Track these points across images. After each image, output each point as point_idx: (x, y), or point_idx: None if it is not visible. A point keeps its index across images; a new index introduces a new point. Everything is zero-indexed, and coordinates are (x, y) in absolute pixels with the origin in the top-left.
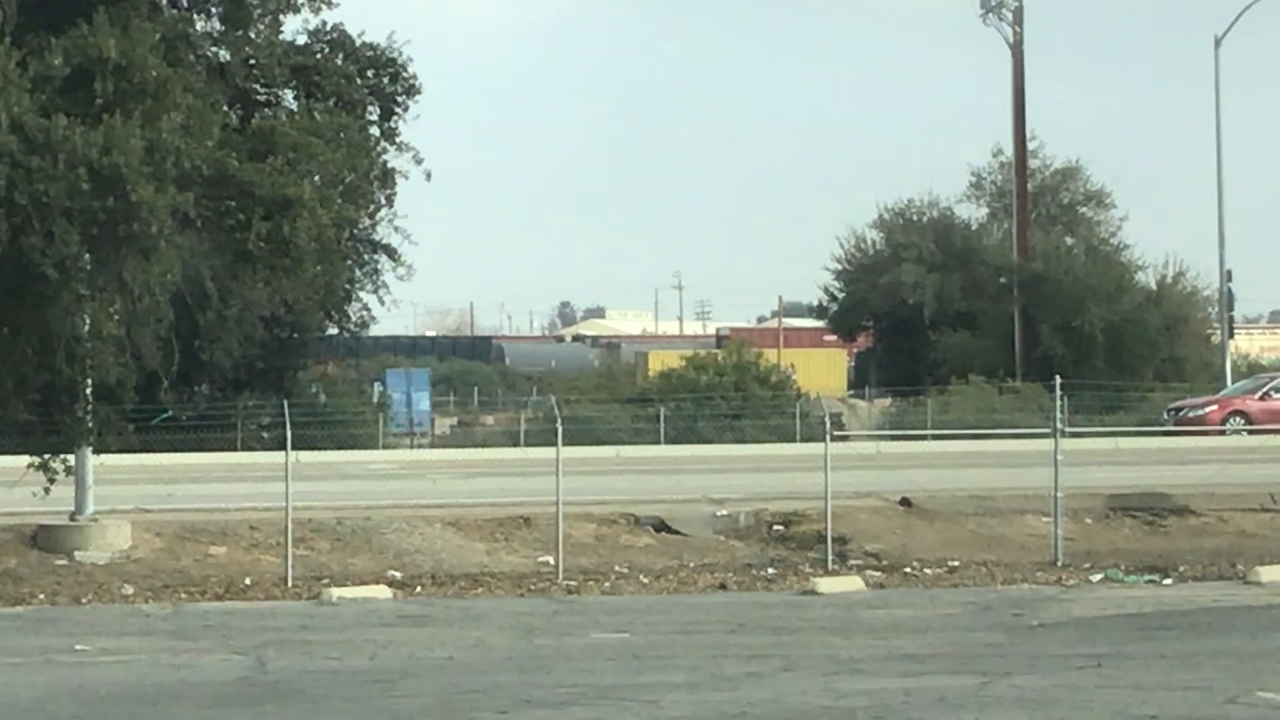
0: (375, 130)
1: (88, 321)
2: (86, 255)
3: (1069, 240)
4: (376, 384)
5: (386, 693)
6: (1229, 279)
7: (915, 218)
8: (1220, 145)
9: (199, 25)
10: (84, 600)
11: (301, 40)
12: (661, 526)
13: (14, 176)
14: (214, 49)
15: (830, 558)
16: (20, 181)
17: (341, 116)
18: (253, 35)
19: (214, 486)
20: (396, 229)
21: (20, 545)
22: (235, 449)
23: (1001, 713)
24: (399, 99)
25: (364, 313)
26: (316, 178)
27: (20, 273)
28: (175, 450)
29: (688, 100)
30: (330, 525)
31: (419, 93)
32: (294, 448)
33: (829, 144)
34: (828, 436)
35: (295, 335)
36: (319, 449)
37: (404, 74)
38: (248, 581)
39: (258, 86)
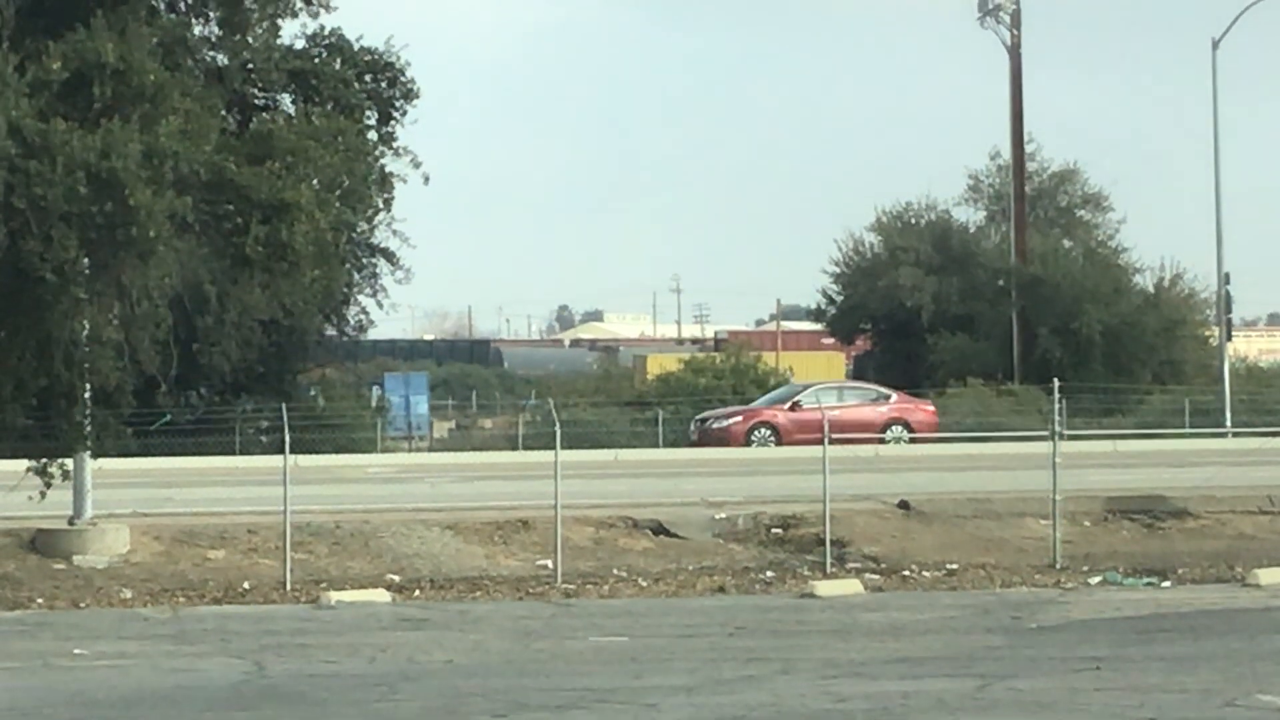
0: (373, 134)
1: (86, 326)
2: (85, 259)
3: (1067, 243)
4: (375, 387)
5: (385, 696)
6: (1227, 282)
7: (913, 221)
8: (1218, 148)
9: (197, 30)
10: (82, 604)
11: (299, 44)
12: (660, 530)
13: (12, 181)
14: (212, 53)
15: (829, 561)
16: (18, 186)
17: (339, 120)
18: (250, 40)
19: (212, 490)
20: (395, 233)
21: (18, 549)
22: (234, 453)
23: (1000, 715)
24: (397, 103)
25: (362, 316)
26: (315, 182)
27: (18, 277)
28: (173, 454)
29: (685, 104)
30: (329, 529)
31: (417, 96)
32: (292, 451)
33: (827, 147)
34: (825, 439)
35: (293, 339)
36: (317, 452)
37: (402, 78)
38: (246, 585)
39: (256, 91)
